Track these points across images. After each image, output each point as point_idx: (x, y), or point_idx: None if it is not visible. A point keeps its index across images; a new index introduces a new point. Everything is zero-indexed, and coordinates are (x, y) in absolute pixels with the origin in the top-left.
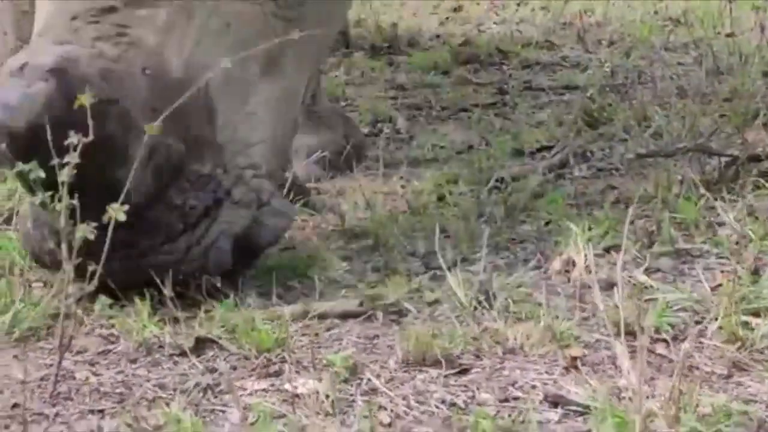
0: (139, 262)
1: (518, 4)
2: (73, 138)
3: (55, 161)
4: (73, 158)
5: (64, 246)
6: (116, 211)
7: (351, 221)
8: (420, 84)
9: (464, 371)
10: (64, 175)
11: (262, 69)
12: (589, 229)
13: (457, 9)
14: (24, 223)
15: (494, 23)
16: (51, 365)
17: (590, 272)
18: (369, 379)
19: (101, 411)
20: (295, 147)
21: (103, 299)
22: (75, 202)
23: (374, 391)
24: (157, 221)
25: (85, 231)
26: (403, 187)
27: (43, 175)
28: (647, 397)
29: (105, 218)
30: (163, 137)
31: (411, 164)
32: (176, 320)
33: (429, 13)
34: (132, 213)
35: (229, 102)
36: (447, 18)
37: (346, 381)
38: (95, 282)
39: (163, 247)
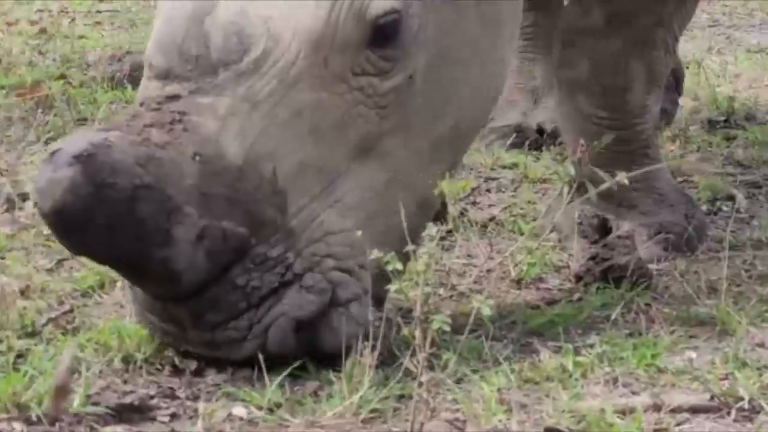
0: (212, 336)
1: None
2: None
3: (411, 248)
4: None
5: (418, 334)
6: (482, 304)
7: (695, 307)
8: (758, 160)
9: None
10: (420, 264)
11: (353, 154)
12: None
13: None
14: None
15: None
16: None
17: None
18: None
19: None
20: (637, 227)
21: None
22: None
23: None
24: (221, 299)
25: (441, 322)
26: (747, 271)
27: (400, 267)
28: None
29: None
30: (215, 220)
31: (754, 247)
32: (523, 406)
33: (765, 85)
34: (197, 290)
35: (304, 189)
36: None
37: None
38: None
39: (229, 324)
